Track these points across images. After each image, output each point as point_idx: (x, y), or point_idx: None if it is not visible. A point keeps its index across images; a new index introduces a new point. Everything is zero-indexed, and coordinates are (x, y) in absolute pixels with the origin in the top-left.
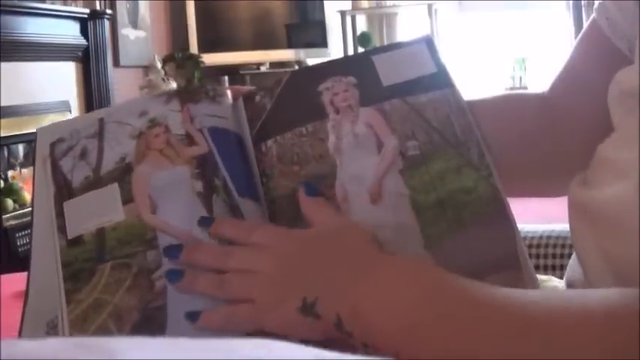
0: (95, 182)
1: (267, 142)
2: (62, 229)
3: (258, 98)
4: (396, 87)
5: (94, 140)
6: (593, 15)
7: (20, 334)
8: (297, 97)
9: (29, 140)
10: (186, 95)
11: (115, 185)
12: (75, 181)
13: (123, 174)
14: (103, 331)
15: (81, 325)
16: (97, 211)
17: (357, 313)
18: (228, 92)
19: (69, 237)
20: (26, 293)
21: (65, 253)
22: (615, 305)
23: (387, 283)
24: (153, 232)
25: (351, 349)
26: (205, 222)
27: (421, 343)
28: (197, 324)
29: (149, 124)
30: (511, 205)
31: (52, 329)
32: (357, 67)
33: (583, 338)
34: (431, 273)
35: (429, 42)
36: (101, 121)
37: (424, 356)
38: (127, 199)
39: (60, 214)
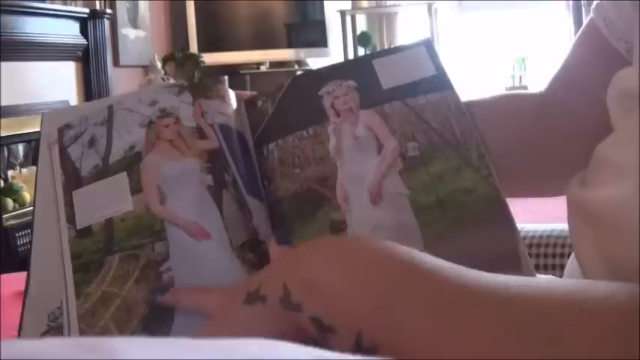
0: (104, 172)
1: (269, 145)
2: (71, 219)
3: (260, 103)
4: (396, 89)
5: (103, 128)
6: (591, 15)
7: (20, 327)
8: (299, 102)
9: (29, 140)
10: (198, 89)
11: (124, 174)
12: (84, 170)
13: (132, 163)
14: (112, 324)
15: (89, 319)
16: (106, 202)
17: (308, 285)
18: (232, 93)
19: (78, 227)
20: (27, 284)
21: (74, 244)
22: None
23: (346, 258)
24: (161, 223)
25: (302, 336)
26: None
27: (387, 323)
28: None
29: (160, 114)
30: (511, 205)
31: (53, 322)
32: (358, 70)
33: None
34: (396, 251)
35: (428, 45)
36: (110, 108)
37: (388, 335)
38: (136, 189)
39: (69, 204)
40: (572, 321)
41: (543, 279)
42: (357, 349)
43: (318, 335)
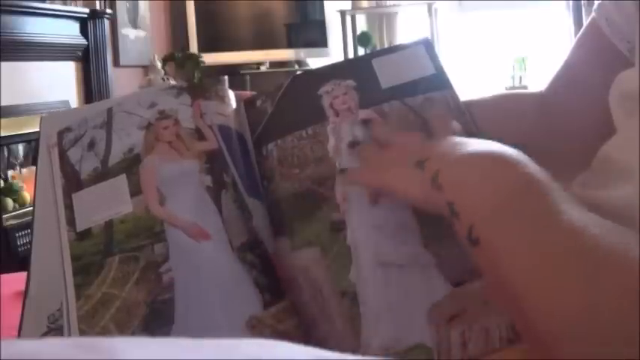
0: (103, 174)
1: (268, 145)
2: (71, 221)
3: (259, 103)
4: (395, 89)
5: (102, 131)
6: (593, 15)
7: (20, 328)
8: (298, 101)
9: (29, 140)
10: (197, 91)
11: (123, 176)
12: (83, 173)
13: (131, 165)
14: (112, 325)
15: (89, 321)
16: (106, 204)
17: (454, 175)
18: (232, 93)
19: (78, 230)
20: (27, 286)
21: (74, 247)
22: None
23: (487, 167)
24: (161, 224)
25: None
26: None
27: (490, 227)
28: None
29: (158, 116)
30: None
31: (52, 323)
32: (357, 70)
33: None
34: (528, 172)
35: (427, 44)
36: (109, 111)
37: (488, 238)
38: (135, 190)
39: (69, 207)
40: (615, 266)
41: (621, 228)
42: (468, 237)
43: (448, 217)
